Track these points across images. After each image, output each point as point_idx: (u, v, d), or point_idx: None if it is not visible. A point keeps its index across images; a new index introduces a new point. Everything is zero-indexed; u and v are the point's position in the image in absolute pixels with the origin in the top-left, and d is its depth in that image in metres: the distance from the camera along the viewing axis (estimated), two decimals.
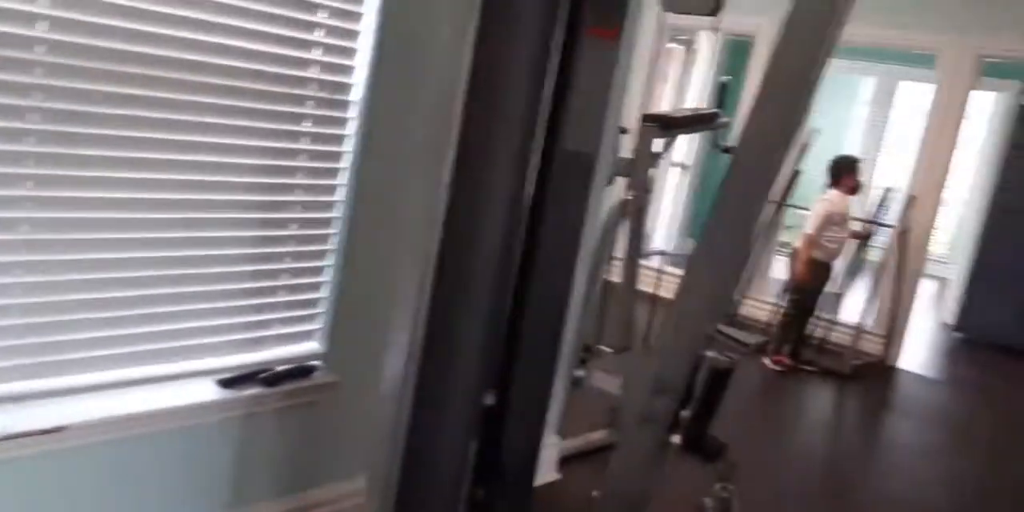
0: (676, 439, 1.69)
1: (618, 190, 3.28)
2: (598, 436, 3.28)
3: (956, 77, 5.16)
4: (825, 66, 1.53)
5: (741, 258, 1.73)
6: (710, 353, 1.67)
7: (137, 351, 1.89)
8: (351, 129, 2.16)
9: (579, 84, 1.86)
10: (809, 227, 4.87)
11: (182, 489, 2.01)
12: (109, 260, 1.80)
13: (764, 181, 1.66)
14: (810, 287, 4.96)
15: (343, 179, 2.18)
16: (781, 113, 1.58)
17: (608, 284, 3.41)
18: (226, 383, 2.02)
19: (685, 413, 1.68)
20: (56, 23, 1.61)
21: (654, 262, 5.13)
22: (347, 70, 2.11)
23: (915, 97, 7.45)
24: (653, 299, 3.36)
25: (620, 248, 3.49)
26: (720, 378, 1.67)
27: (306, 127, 2.07)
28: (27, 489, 1.74)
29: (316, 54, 2.03)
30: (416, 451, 1.71)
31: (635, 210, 3.30)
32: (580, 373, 3.15)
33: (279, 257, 2.10)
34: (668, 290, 2.58)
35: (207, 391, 2.00)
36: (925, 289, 5.79)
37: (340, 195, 2.18)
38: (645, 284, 3.59)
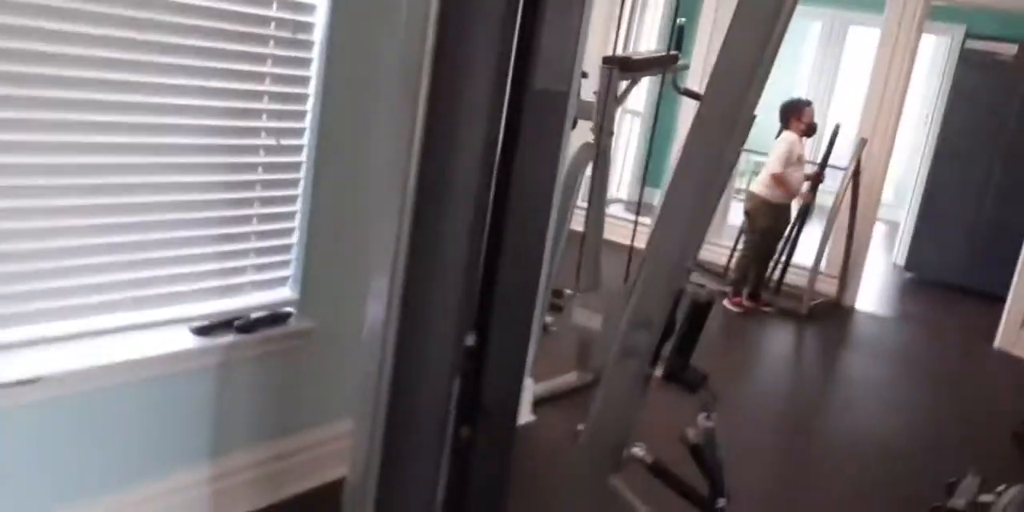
0: (658, 372, 1.71)
1: (581, 134, 3.26)
2: (568, 379, 3.32)
3: (904, 21, 5.21)
4: (793, 8, 1.55)
5: (716, 192, 1.74)
6: (690, 287, 1.69)
7: (110, 299, 1.85)
8: (314, 70, 2.10)
9: (549, 20, 1.83)
10: (776, 166, 4.90)
11: (160, 438, 1.98)
12: (77, 207, 1.75)
13: (736, 115, 1.67)
14: (770, 229, 5.04)
15: (308, 122, 2.13)
16: (751, 54, 1.59)
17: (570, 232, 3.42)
18: (201, 331, 1.99)
19: (666, 346, 1.70)
20: None
21: (614, 210, 5.16)
22: (308, 9, 2.05)
23: (866, 41, 7.52)
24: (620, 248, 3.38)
25: (582, 194, 3.49)
26: (701, 310, 1.69)
27: (268, 68, 2.01)
28: (2, 440, 1.70)
29: None
30: (400, 393, 1.71)
31: (600, 153, 3.29)
32: (549, 319, 3.17)
33: (247, 203, 2.06)
34: (629, 237, 2.60)
35: (182, 339, 1.96)
36: (876, 231, 5.94)
37: (306, 138, 2.13)
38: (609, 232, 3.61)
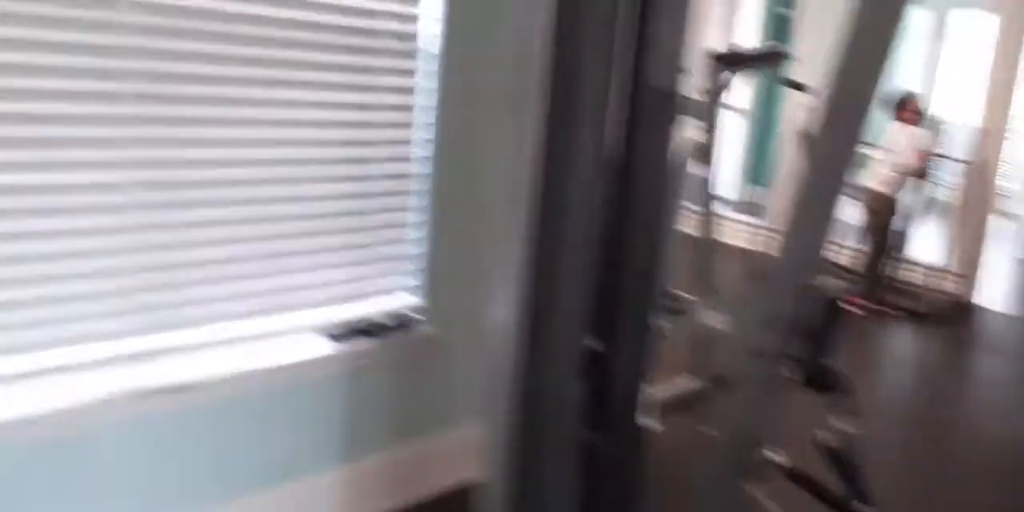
0: (791, 373, 1.65)
1: (684, 131, 3.20)
2: (687, 383, 3.26)
3: (1016, 5, 4.96)
4: None
5: (845, 184, 1.69)
6: (822, 284, 1.63)
7: (247, 307, 1.92)
8: (425, 79, 2.13)
9: (660, 16, 1.81)
10: (914, 158, 4.75)
11: (295, 441, 2.04)
12: (219, 219, 1.82)
13: (864, 104, 1.63)
14: (889, 225, 4.89)
15: (423, 130, 2.16)
16: (872, 47, 1.55)
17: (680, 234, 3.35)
18: (333, 337, 2.05)
19: (798, 346, 1.64)
20: None
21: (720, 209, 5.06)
22: (413, 18, 2.08)
23: (968, 26, 7.19)
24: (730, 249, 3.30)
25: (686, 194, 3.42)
26: (837, 309, 1.63)
27: (380, 79, 2.05)
28: (153, 445, 1.78)
29: (383, 5, 2.01)
30: (527, 396, 1.70)
31: (705, 151, 3.23)
32: (663, 323, 3.11)
33: (370, 212, 2.10)
34: (735, 237, 2.54)
35: (315, 345, 2.02)
36: (996, 225, 5.63)
37: (421, 148, 2.17)
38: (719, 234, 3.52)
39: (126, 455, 1.74)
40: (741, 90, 6.47)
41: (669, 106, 1.97)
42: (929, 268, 5.05)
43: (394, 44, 2.06)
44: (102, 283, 1.67)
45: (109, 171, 1.64)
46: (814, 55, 3.79)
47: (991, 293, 5.44)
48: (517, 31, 2.12)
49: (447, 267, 2.26)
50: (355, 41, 1.97)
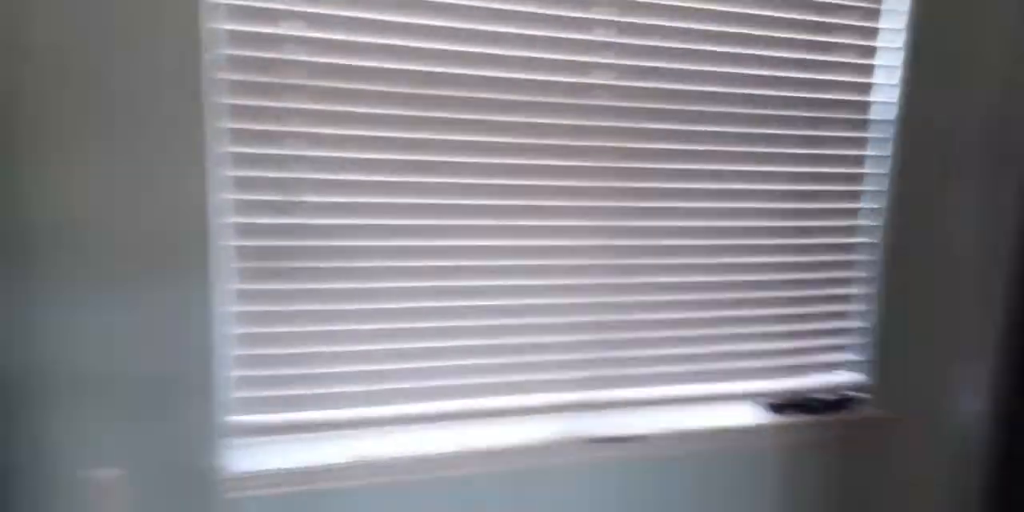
0: None
1: None
2: None
3: None
4: None
5: None
6: None
7: (693, 370, 1.98)
8: (877, 147, 2.05)
9: None
10: None
11: (726, 508, 2.04)
12: (668, 284, 1.93)
13: None
14: None
15: (873, 200, 2.08)
16: None
17: None
18: (770, 408, 2.03)
19: None
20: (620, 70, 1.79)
21: None
22: (868, 88, 2.03)
23: None
24: None
25: None
26: None
27: (830, 149, 2.02)
28: (593, 487, 1.90)
29: (838, 76, 2.00)
30: (1014, 505, 1.51)
31: None
32: None
33: (812, 283, 2.07)
34: None
35: (752, 414, 2.03)
36: None
37: (869, 219, 2.08)
38: None
39: (568, 493, 1.88)
40: None
41: None
42: None
43: (847, 114, 2.02)
44: (565, 337, 1.85)
45: (582, 239, 1.83)
46: None
47: None
48: (995, 90, 1.96)
49: (898, 345, 2.11)
50: (809, 113, 1.98)
